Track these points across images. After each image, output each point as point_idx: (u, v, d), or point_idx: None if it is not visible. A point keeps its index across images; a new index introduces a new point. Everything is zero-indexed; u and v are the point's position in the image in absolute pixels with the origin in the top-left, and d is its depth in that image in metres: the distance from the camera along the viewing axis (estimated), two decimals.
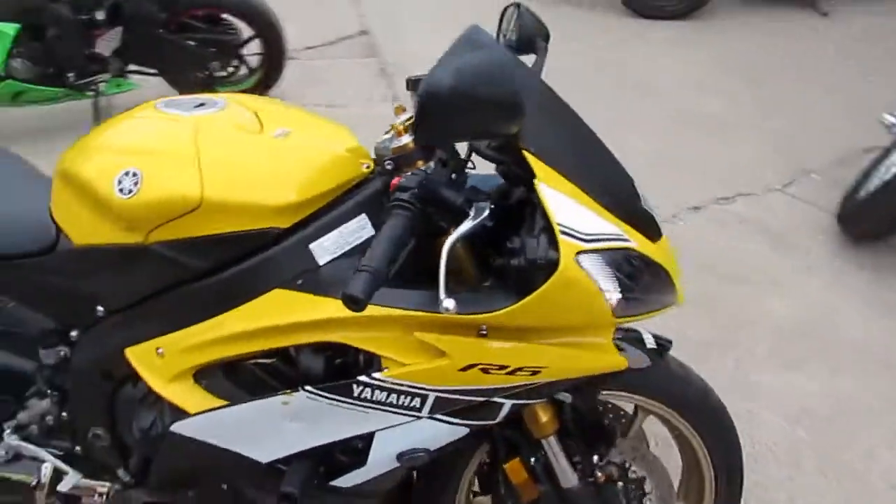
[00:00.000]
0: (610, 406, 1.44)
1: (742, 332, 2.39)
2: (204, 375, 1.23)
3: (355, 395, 1.12)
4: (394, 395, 1.12)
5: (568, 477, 1.31)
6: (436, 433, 1.18)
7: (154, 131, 1.23)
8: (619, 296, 1.04)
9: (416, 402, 1.13)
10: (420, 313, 1.06)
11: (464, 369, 1.08)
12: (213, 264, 1.17)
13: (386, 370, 1.10)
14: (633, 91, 4.03)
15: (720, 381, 1.52)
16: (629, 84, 4.10)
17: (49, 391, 1.45)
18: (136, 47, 3.53)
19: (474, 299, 1.05)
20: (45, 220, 1.31)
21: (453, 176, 1.09)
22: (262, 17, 3.64)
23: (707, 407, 1.41)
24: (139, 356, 1.25)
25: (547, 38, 1.49)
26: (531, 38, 1.46)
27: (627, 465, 1.43)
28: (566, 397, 1.30)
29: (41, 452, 1.47)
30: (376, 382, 1.10)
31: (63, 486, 1.46)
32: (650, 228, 1.16)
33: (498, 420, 1.19)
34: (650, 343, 1.34)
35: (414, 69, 1.24)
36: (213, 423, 1.21)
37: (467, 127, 0.98)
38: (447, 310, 0.95)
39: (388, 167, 1.12)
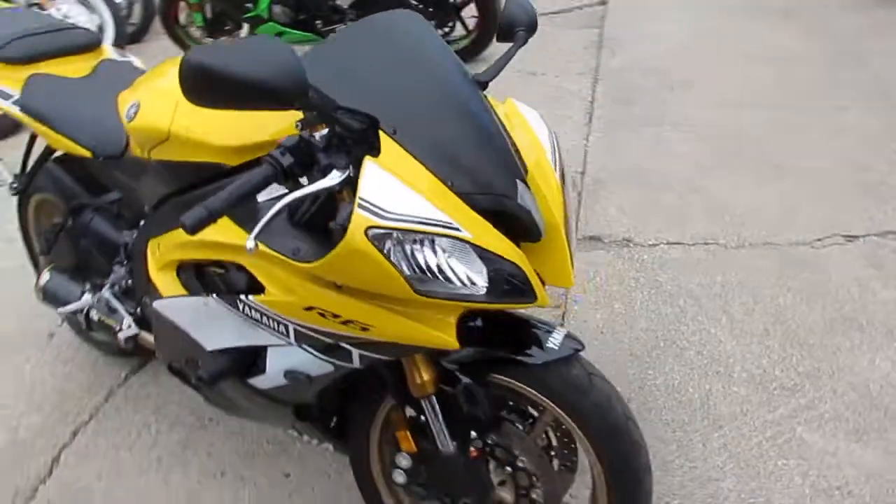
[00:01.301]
0: (521, 400, 1.46)
1: None
2: (183, 270, 1.55)
3: (240, 308, 1.35)
4: (266, 318, 1.32)
5: (443, 440, 1.40)
6: (307, 361, 1.36)
7: (167, 73, 1.55)
8: (410, 273, 1.11)
9: (283, 328, 1.32)
10: (284, 258, 1.25)
11: (307, 309, 1.25)
12: (187, 183, 1.47)
13: (260, 295, 1.31)
14: None
15: None
16: None
17: (126, 262, 1.92)
18: (371, 3, 3.99)
19: (311, 251, 1.20)
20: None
21: (334, 141, 1.22)
22: None
23: (605, 420, 1.36)
24: (150, 247, 1.62)
25: (531, 29, 1.51)
26: (511, 26, 1.50)
27: (515, 453, 1.46)
28: (453, 367, 1.39)
29: (120, 306, 1.96)
30: (251, 303, 1.32)
31: (127, 333, 1.94)
32: (518, 225, 1.19)
33: (356, 365, 1.33)
34: (555, 342, 1.36)
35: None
36: (175, 306, 1.54)
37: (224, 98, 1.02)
38: (249, 249, 1.13)
39: (298, 127, 1.30)
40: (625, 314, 2.33)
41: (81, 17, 4.89)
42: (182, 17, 4.57)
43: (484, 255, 1.15)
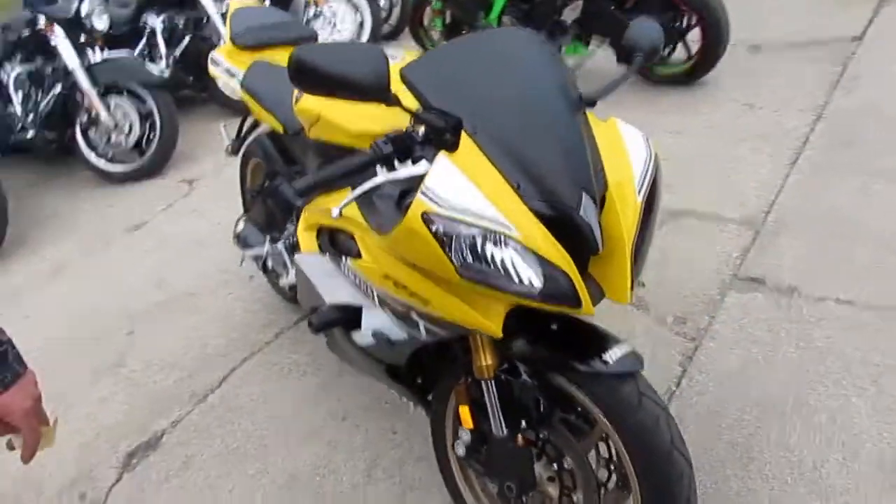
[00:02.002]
0: (575, 405, 1.51)
1: None
2: (321, 233, 1.83)
3: (343, 269, 1.58)
4: (359, 281, 1.54)
5: (496, 423, 1.51)
6: (388, 326, 1.55)
7: None
8: (456, 258, 1.23)
9: (370, 292, 1.52)
10: (370, 228, 1.45)
11: (385, 277, 1.43)
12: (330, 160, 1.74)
13: (357, 259, 1.53)
14: None
15: None
16: None
17: (294, 223, 2.26)
18: (592, 20, 4.09)
19: (390, 227, 1.37)
20: None
21: (430, 137, 1.38)
22: (710, 10, 3.76)
23: (649, 442, 1.37)
24: (304, 211, 1.92)
25: (650, 55, 1.55)
26: (632, 49, 1.55)
27: (562, 452, 1.51)
28: (516, 357, 1.50)
29: (287, 258, 2.32)
30: (348, 265, 1.54)
31: (287, 281, 2.29)
32: (575, 235, 1.27)
33: (423, 336, 1.49)
34: (615, 356, 1.41)
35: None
36: (307, 261, 1.81)
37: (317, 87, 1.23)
38: (333, 215, 1.33)
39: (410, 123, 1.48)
40: (763, 363, 2.21)
41: (347, 16, 5.58)
42: (426, 21, 5.02)
43: (527, 254, 1.25)
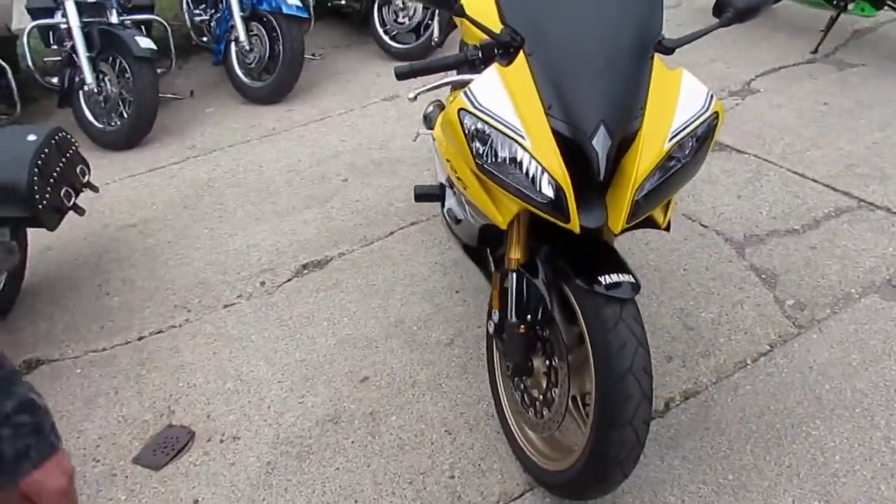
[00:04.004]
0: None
1: None
2: None
3: (434, 149, 1.90)
4: (441, 161, 1.86)
5: (510, 310, 1.76)
6: (454, 204, 1.86)
7: None
8: (479, 155, 1.48)
9: (443, 169, 1.84)
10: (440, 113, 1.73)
11: (447, 160, 1.73)
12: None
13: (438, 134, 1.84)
14: None
15: None
16: None
17: None
18: None
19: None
20: None
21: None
22: None
23: (608, 360, 1.52)
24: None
25: (741, 14, 1.56)
26: (727, 3, 1.59)
27: (553, 353, 1.72)
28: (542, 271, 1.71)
29: None
30: (433, 144, 1.86)
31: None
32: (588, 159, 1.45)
33: (469, 220, 1.77)
34: (612, 280, 1.57)
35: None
36: (430, 140, 2.16)
37: None
38: (409, 98, 1.64)
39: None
40: (853, 367, 2.10)
41: None
42: None
43: (532, 163, 1.46)
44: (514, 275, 1.74)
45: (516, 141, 1.46)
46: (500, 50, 1.57)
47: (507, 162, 1.48)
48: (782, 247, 2.66)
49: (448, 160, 1.73)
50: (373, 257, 2.95)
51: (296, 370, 2.42)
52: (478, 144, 1.51)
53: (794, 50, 4.26)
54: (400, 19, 5.01)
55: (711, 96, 1.55)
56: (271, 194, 3.53)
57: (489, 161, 1.50)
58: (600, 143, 1.44)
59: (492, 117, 1.48)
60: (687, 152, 1.53)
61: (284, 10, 4.25)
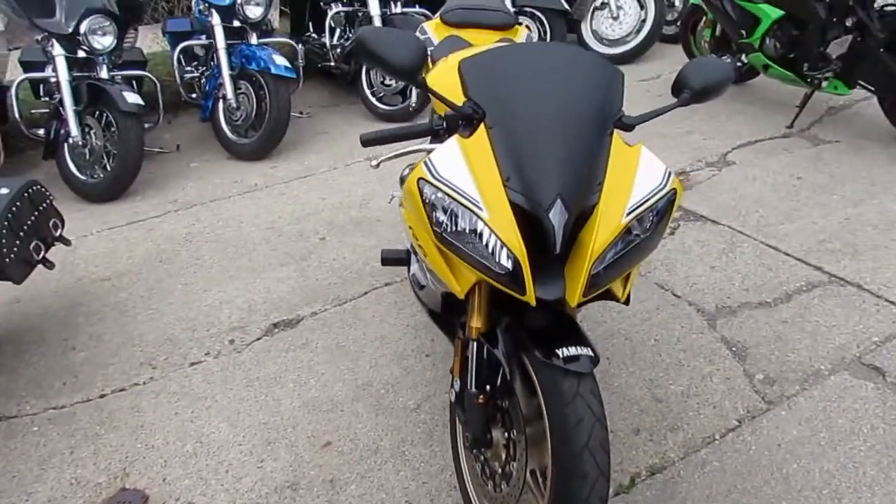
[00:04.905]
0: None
1: None
2: None
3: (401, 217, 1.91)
4: (406, 228, 1.87)
5: (469, 379, 1.74)
6: (417, 270, 1.86)
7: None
8: (439, 225, 1.48)
9: (408, 238, 1.84)
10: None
11: (409, 227, 1.73)
12: None
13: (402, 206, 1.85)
14: None
15: None
16: None
17: None
18: (856, 60, 3.73)
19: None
20: None
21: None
22: None
23: (566, 437, 1.50)
24: None
25: (697, 95, 1.59)
26: (681, 85, 1.62)
27: (512, 425, 1.69)
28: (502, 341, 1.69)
29: None
30: (399, 211, 1.86)
31: None
32: (539, 228, 1.45)
33: (430, 286, 1.76)
34: (571, 353, 1.56)
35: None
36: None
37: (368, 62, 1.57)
38: (371, 165, 1.66)
39: None
40: (821, 447, 2.07)
41: (632, 9, 5.65)
42: (698, 28, 4.93)
43: (490, 235, 1.45)
44: (475, 344, 1.72)
45: (474, 212, 1.47)
46: (463, 122, 1.59)
47: (466, 233, 1.49)
48: (753, 319, 2.65)
49: (410, 227, 1.74)
50: (345, 317, 2.93)
51: (258, 433, 2.37)
52: (437, 214, 1.51)
53: (770, 124, 4.35)
54: (387, 81, 5.11)
55: (669, 173, 1.57)
56: (248, 251, 3.52)
57: (447, 231, 1.50)
58: (557, 216, 1.45)
59: (450, 188, 1.49)
60: (646, 227, 1.53)
61: (273, 70, 4.32)
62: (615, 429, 2.21)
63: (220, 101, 4.70)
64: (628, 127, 1.61)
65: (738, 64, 4.43)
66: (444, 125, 1.63)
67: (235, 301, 3.11)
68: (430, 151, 1.61)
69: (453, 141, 1.54)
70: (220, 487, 2.17)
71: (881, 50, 3.59)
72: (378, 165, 1.68)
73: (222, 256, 3.49)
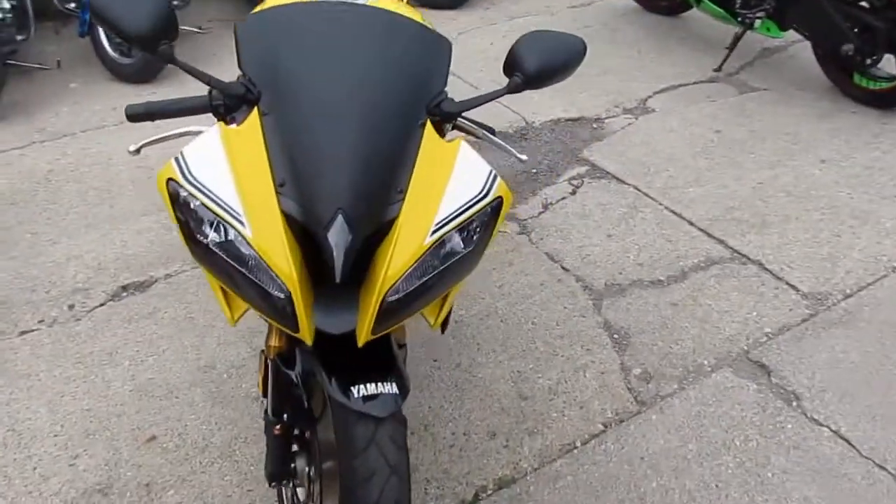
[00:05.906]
0: None
1: None
2: None
3: None
4: None
5: (268, 403, 1.48)
6: None
7: None
8: (195, 238, 1.17)
9: None
10: None
11: None
12: None
13: None
14: None
15: None
16: None
17: None
18: (794, 3, 3.41)
19: None
20: None
21: None
22: None
23: (355, 488, 1.26)
24: None
25: (530, 81, 1.28)
26: (513, 67, 1.30)
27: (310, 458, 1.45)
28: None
29: None
30: None
31: None
32: (318, 248, 1.15)
33: None
34: (366, 392, 1.28)
35: None
36: None
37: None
38: (129, 151, 1.33)
39: None
40: (688, 460, 1.89)
41: None
42: None
43: (257, 261, 1.15)
44: (271, 364, 1.45)
45: (233, 227, 1.15)
46: (228, 103, 1.25)
47: (228, 253, 1.17)
48: (642, 301, 2.43)
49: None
50: (201, 282, 2.61)
51: (78, 421, 2.10)
52: (193, 225, 1.19)
53: (698, 66, 3.99)
54: None
55: (494, 176, 1.26)
56: (112, 195, 3.14)
57: (207, 249, 1.18)
58: (336, 236, 1.14)
59: (205, 194, 1.16)
60: (463, 243, 1.24)
61: None
62: (470, 431, 1.99)
63: None
64: (449, 116, 1.29)
65: None
66: (223, 104, 1.29)
67: (85, 257, 2.76)
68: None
69: (214, 131, 1.21)
70: (24, 489, 1.92)
71: None
72: (138, 151, 1.34)
73: (82, 201, 3.11)
